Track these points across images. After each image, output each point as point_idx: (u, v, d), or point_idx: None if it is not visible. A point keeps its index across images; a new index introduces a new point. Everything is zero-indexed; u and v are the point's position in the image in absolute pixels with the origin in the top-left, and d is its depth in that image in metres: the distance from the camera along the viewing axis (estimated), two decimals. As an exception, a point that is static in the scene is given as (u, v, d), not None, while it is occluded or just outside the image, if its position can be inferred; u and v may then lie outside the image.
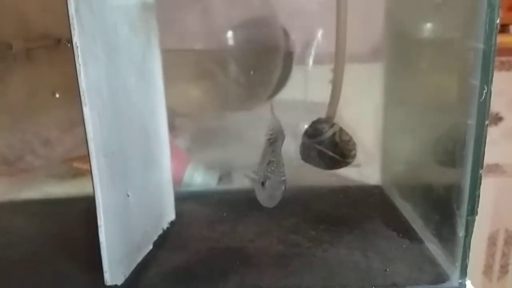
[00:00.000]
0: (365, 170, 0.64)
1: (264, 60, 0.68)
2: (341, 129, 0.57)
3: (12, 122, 0.68)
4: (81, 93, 0.36)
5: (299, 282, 0.41)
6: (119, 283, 0.41)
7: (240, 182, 0.65)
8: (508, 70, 0.93)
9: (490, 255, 1.06)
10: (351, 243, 0.47)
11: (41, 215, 0.57)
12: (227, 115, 0.75)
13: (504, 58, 0.92)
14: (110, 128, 0.39)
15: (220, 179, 0.66)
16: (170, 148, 0.53)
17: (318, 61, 0.75)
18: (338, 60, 0.56)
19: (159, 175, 0.50)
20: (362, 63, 0.65)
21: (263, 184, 0.40)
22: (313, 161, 0.58)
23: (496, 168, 0.99)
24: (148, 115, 0.48)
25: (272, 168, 0.41)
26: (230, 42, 0.65)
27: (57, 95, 0.66)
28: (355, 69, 0.60)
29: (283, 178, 0.41)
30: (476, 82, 0.35)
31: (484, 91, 0.35)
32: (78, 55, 0.35)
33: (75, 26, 0.35)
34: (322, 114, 0.60)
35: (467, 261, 0.40)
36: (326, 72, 0.65)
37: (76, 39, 0.35)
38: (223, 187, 0.65)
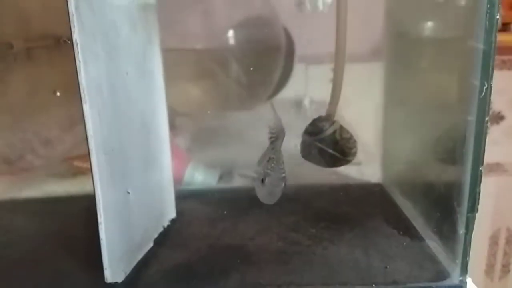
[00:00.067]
0: (365, 168, 0.64)
1: (265, 59, 0.68)
2: (341, 127, 0.57)
3: (12, 122, 0.68)
4: (81, 91, 0.36)
5: (299, 280, 0.41)
6: (119, 280, 0.41)
7: (241, 180, 0.65)
8: (509, 69, 0.93)
9: (492, 255, 1.06)
10: (352, 241, 0.47)
11: (41, 214, 0.57)
12: (228, 115, 0.76)
13: (505, 57, 0.92)
14: (110, 126, 0.40)
15: (221, 178, 0.66)
16: (171, 147, 0.53)
17: (318, 61, 0.75)
18: (338, 58, 0.56)
19: (159, 173, 0.51)
20: (362, 62, 0.65)
21: (263, 181, 0.40)
22: (313, 159, 0.58)
23: (497, 167, 0.99)
24: (149, 113, 0.48)
25: (272, 165, 0.41)
26: (231, 41, 0.65)
27: (58, 94, 0.66)
28: (355, 68, 0.60)
29: (283, 175, 0.41)
30: (477, 78, 0.35)
31: (484, 87, 0.35)
32: (78, 52, 0.35)
33: (75, 24, 0.35)
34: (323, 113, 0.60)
35: (467, 259, 0.40)
36: (326, 72, 0.65)
37: (76, 36, 0.35)
38: (224, 185, 0.65)
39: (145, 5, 0.47)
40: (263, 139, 0.47)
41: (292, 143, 0.59)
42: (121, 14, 0.42)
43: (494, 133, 0.95)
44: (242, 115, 0.75)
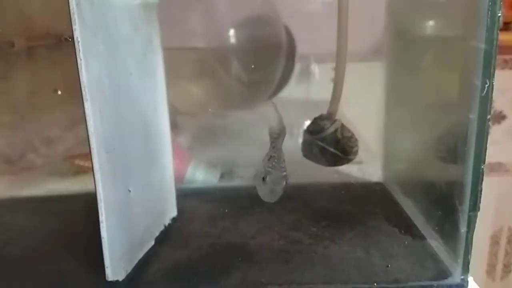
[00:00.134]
0: (366, 167, 0.64)
1: (266, 58, 0.68)
2: (342, 126, 0.57)
3: (14, 121, 0.69)
4: (82, 88, 0.36)
5: (300, 279, 0.41)
6: (120, 278, 0.41)
7: (242, 179, 0.65)
8: (511, 68, 0.93)
9: (493, 254, 1.06)
10: (353, 239, 0.47)
11: (42, 212, 0.57)
12: (229, 114, 0.76)
13: (507, 57, 0.92)
14: (112, 124, 0.40)
15: (222, 177, 0.66)
16: (172, 146, 0.53)
17: (320, 60, 0.75)
18: (339, 56, 0.56)
19: (160, 171, 0.51)
20: (363, 61, 0.65)
21: (264, 179, 0.40)
22: (314, 157, 0.58)
23: (499, 167, 0.99)
24: (150, 112, 0.48)
25: (273, 163, 0.41)
26: (232, 40, 0.65)
27: (59, 92, 0.67)
28: (357, 67, 0.60)
29: (284, 173, 0.41)
30: (478, 76, 0.35)
31: (486, 85, 0.35)
32: (79, 50, 0.35)
33: (76, 21, 0.35)
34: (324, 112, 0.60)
35: (469, 257, 0.40)
36: (328, 71, 0.65)
37: (77, 33, 0.35)
38: (225, 184, 0.65)
39: (146, 4, 0.47)
40: (265, 138, 0.47)
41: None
42: (122, 12, 0.42)
43: (495, 132, 0.95)
44: (243, 114, 0.75)
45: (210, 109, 0.71)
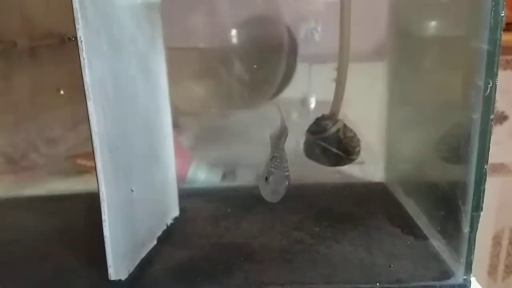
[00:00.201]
0: (368, 168, 0.64)
1: (268, 58, 0.68)
2: (345, 126, 0.57)
3: (16, 120, 0.69)
4: (85, 88, 0.36)
5: (303, 279, 0.41)
6: (123, 278, 0.41)
7: (244, 179, 0.65)
8: (513, 68, 0.92)
9: (495, 255, 1.05)
10: (355, 239, 0.47)
11: (45, 211, 0.57)
12: (231, 114, 0.76)
13: (509, 57, 0.92)
14: (115, 123, 0.40)
15: (224, 177, 0.66)
16: (174, 146, 0.53)
17: (321, 60, 0.75)
18: (342, 56, 0.56)
19: (163, 171, 0.51)
20: (366, 61, 0.65)
21: (266, 179, 0.40)
22: (317, 157, 0.58)
23: (501, 168, 0.98)
24: (152, 111, 0.48)
25: (276, 163, 0.41)
26: (234, 40, 0.65)
27: (62, 92, 0.67)
28: (359, 67, 0.60)
29: (287, 173, 0.41)
30: (481, 76, 0.35)
31: (489, 85, 0.35)
32: (83, 49, 0.35)
33: (80, 20, 0.35)
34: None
35: (472, 257, 0.40)
36: (329, 71, 0.65)
37: (80, 33, 0.35)
38: (227, 183, 0.65)
39: (149, 3, 0.47)
40: (267, 138, 0.47)
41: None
42: (125, 12, 0.42)
43: (497, 133, 0.95)
44: (245, 114, 0.75)
45: (212, 109, 0.71)
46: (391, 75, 0.60)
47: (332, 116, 0.57)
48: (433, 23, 0.49)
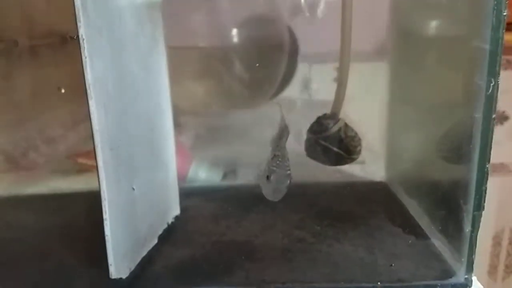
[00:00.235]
0: (369, 167, 0.63)
1: (269, 58, 0.68)
2: (346, 125, 0.57)
3: (16, 119, 0.69)
4: (87, 86, 0.36)
5: (304, 277, 0.41)
6: (124, 276, 0.41)
7: (245, 178, 0.65)
8: (514, 68, 0.92)
9: (495, 255, 1.05)
10: (356, 238, 0.47)
11: (46, 210, 0.57)
12: (232, 113, 0.76)
13: (510, 57, 0.92)
14: (116, 122, 0.40)
15: (225, 176, 0.66)
16: (175, 145, 0.53)
17: (322, 60, 0.75)
18: (343, 55, 0.56)
19: (164, 170, 0.51)
20: (367, 61, 0.65)
21: (268, 178, 0.40)
22: (318, 157, 0.58)
23: (501, 168, 0.99)
24: (154, 109, 0.48)
25: (278, 162, 0.41)
26: (235, 39, 0.65)
27: (63, 91, 0.67)
28: (360, 67, 0.60)
29: (288, 172, 0.41)
30: (483, 74, 0.35)
31: (491, 84, 0.35)
32: (84, 48, 0.35)
33: (81, 18, 0.35)
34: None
35: (473, 257, 0.40)
36: (330, 71, 0.65)
37: (82, 31, 0.35)
38: (228, 182, 0.65)
39: (150, 2, 0.47)
40: (267, 137, 0.47)
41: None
42: (126, 10, 0.42)
43: (498, 133, 0.94)
44: (245, 113, 0.75)
45: (214, 107, 0.71)
46: (393, 74, 0.60)
47: (333, 115, 0.57)
48: (434, 22, 0.49)
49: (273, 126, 0.47)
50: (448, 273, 0.41)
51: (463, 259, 0.40)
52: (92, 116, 0.37)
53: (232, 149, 0.70)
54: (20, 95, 0.69)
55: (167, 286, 0.41)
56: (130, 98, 0.43)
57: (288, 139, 0.46)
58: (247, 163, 0.67)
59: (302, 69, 0.74)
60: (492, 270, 1.06)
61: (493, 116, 0.36)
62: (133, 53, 0.43)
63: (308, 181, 0.60)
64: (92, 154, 0.38)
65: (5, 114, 0.68)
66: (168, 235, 0.49)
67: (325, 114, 0.58)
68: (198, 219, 0.53)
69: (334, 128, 0.56)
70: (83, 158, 0.65)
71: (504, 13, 0.34)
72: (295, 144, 0.56)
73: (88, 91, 0.36)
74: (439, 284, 0.40)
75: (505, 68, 0.92)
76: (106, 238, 0.39)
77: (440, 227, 0.45)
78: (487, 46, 0.35)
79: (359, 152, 0.58)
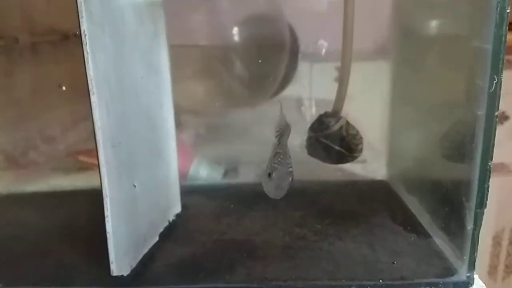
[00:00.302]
0: (371, 165, 0.63)
1: (270, 56, 0.68)
2: (347, 123, 0.57)
3: (16, 117, 0.68)
4: (89, 81, 0.36)
5: (306, 275, 0.41)
6: (125, 273, 0.41)
7: (246, 176, 0.65)
8: (515, 68, 0.92)
9: (495, 255, 1.05)
10: (358, 236, 0.47)
11: (47, 207, 0.57)
12: (232, 112, 0.75)
13: (510, 57, 0.92)
14: (118, 118, 0.39)
15: (226, 174, 0.66)
16: (176, 142, 0.52)
17: (323, 59, 0.75)
18: (345, 53, 0.55)
19: (165, 167, 0.50)
20: (368, 59, 0.65)
21: (270, 175, 0.40)
22: (319, 155, 0.58)
23: (501, 167, 0.98)
24: (155, 107, 0.48)
25: (279, 159, 0.41)
26: (236, 38, 0.65)
27: (64, 88, 0.66)
28: (362, 65, 0.60)
29: (290, 169, 0.41)
30: (486, 72, 0.35)
31: (494, 81, 0.35)
32: (86, 43, 0.35)
33: (83, 14, 0.35)
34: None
35: (475, 255, 0.40)
36: (331, 70, 0.65)
37: (84, 27, 0.35)
38: (229, 180, 0.65)
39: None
40: (268, 136, 0.46)
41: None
42: (128, 7, 0.42)
43: (498, 133, 0.94)
44: (246, 112, 0.74)
45: (216, 104, 0.71)
46: (395, 73, 0.60)
47: (335, 113, 0.57)
48: (437, 20, 0.49)
49: (274, 125, 0.47)
50: (450, 271, 0.41)
51: (465, 257, 0.40)
52: (94, 112, 0.36)
53: (233, 148, 0.70)
54: (20, 93, 0.69)
55: (168, 284, 0.41)
56: (132, 95, 0.42)
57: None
58: (248, 161, 0.67)
59: (302, 68, 0.74)
60: (492, 270, 1.06)
61: (496, 113, 0.36)
62: (135, 50, 0.43)
63: (309, 179, 0.60)
64: (93, 152, 0.38)
65: (5, 112, 0.68)
66: (169, 233, 0.49)
67: (326, 112, 0.58)
68: (199, 217, 0.53)
69: (336, 126, 0.56)
70: (84, 156, 0.65)
71: (508, 10, 0.34)
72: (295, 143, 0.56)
73: (90, 86, 0.36)
74: (441, 282, 0.40)
75: (506, 68, 0.92)
76: (108, 235, 0.39)
77: (442, 225, 0.45)
78: (490, 44, 0.35)
79: (360, 150, 0.58)
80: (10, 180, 0.66)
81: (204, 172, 0.64)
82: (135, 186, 0.43)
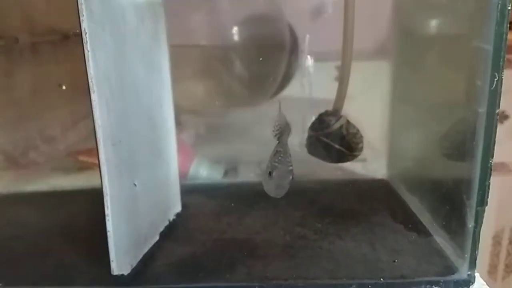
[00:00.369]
0: (371, 164, 0.63)
1: (270, 56, 0.68)
2: (348, 122, 0.57)
3: (16, 117, 0.68)
4: (89, 80, 0.36)
5: (306, 274, 0.41)
6: (125, 272, 0.41)
7: (246, 176, 0.65)
8: (514, 68, 0.92)
9: (495, 255, 1.05)
10: (358, 235, 0.47)
11: (47, 207, 0.57)
12: (232, 111, 0.75)
13: (510, 56, 0.92)
14: (118, 117, 0.39)
15: (226, 174, 0.66)
16: (176, 142, 0.52)
17: (323, 59, 0.75)
18: (345, 52, 0.55)
19: (165, 166, 0.50)
20: (368, 59, 0.65)
21: (270, 174, 0.40)
22: (319, 154, 0.58)
23: (501, 167, 0.98)
24: (155, 106, 0.48)
25: (280, 158, 0.41)
26: (236, 38, 0.65)
27: (64, 87, 0.66)
28: (362, 65, 0.60)
29: (291, 168, 0.41)
30: (487, 69, 0.35)
31: (495, 79, 0.35)
32: (87, 41, 0.35)
33: (84, 12, 0.35)
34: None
35: (476, 253, 0.40)
36: (331, 69, 0.65)
37: (84, 25, 0.35)
38: (229, 180, 0.65)
39: (152, -1, 0.47)
40: (268, 135, 0.46)
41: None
42: (129, 5, 0.42)
43: (498, 132, 0.94)
44: (246, 112, 0.74)
45: (216, 103, 0.71)
46: (395, 72, 0.60)
47: (335, 112, 0.57)
48: (437, 19, 0.49)
49: (274, 124, 0.47)
50: (450, 269, 0.41)
51: (466, 255, 0.40)
52: (94, 110, 0.36)
53: (233, 147, 0.70)
54: (20, 93, 0.69)
55: (168, 283, 0.41)
56: (132, 94, 0.42)
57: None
58: (248, 161, 0.67)
59: (302, 68, 0.73)
60: (492, 270, 1.06)
61: (497, 111, 0.36)
62: (135, 50, 0.43)
63: (310, 179, 0.60)
64: (93, 152, 0.38)
65: (5, 112, 0.68)
66: (170, 232, 0.49)
67: (326, 111, 0.58)
68: (199, 216, 0.53)
69: (336, 125, 0.56)
70: (84, 156, 0.65)
71: (509, 8, 0.34)
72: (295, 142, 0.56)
73: (91, 84, 0.36)
74: (442, 281, 0.40)
75: (505, 67, 0.92)
76: (108, 234, 0.39)
77: (443, 223, 0.45)
78: (490, 42, 0.35)
79: (360, 149, 0.58)
80: (10, 180, 0.66)
81: (204, 172, 0.64)
82: (135, 185, 0.43)
